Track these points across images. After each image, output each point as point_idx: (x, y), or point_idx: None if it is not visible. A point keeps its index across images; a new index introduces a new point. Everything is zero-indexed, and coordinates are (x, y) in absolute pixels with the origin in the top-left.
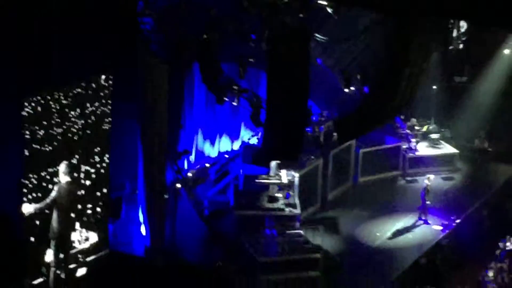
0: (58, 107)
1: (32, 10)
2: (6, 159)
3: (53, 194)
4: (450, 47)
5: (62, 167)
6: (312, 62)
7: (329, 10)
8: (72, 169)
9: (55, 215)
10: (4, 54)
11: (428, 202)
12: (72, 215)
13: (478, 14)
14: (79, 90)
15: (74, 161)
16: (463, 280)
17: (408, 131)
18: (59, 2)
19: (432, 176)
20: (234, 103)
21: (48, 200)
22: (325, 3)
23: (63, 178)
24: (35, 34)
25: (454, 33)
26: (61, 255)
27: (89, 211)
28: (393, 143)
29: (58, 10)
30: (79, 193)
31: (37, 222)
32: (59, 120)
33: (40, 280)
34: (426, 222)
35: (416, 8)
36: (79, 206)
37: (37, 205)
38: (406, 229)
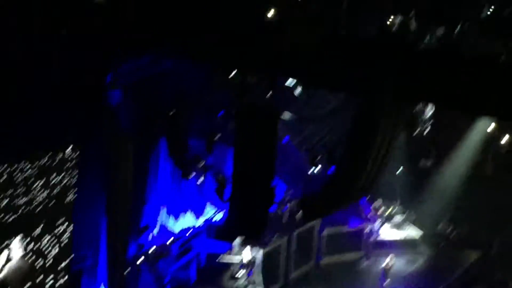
0: (22, 177)
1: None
2: None
3: (3, 272)
4: (416, 131)
5: (16, 241)
6: (279, 140)
7: (298, 90)
8: (27, 244)
9: None
10: None
11: (386, 283)
12: None
13: (443, 99)
14: (44, 160)
15: (38, 231)
16: None
17: (372, 213)
18: (26, 74)
19: (392, 256)
20: (200, 179)
21: None
22: (293, 83)
23: (16, 253)
24: (2, 103)
25: (421, 116)
26: None
27: (50, 282)
28: (357, 225)
29: (25, 80)
30: (31, 271)
31: None
32: (23, 190)
33: None
34: None
35: (382, 91)
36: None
37: None
38: None
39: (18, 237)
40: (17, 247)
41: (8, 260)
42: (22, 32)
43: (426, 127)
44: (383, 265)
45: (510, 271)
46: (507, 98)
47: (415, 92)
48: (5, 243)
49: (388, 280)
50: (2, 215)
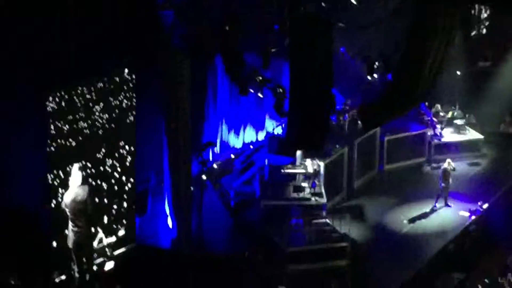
0: (82, 102)
1: (53, 6)
2: (32, 154)
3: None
4: (473, 33)
5: (75, 168)
6: (335, 51)
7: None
8: (90, 169)
9: (69, 223)
10: (27, 50)
11: (444, 185)
12: (87, 223)
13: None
14: (102, 84)
15: (100, 155)
16: (490, 265)
17: (433, 118)
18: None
19: (450, 161)
20: (258, 94)
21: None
22: None
23: (74, 181)
24: (57, 30)
25: (476, 18)
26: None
27: (115, 206)
28: (418, 130)
29: (80, 6)
30: (91, 200)
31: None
32: (83, 115)
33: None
34: (447, 205)
35: None
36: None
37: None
38: (434, 216)
39: (76, 165)
40: (76, 174)
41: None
42: None
43: (483, 29)
44: (441, 168)
45: None
46: None
47: None
48: (69, 168)
49: (448, 181)
50: (65, 140)
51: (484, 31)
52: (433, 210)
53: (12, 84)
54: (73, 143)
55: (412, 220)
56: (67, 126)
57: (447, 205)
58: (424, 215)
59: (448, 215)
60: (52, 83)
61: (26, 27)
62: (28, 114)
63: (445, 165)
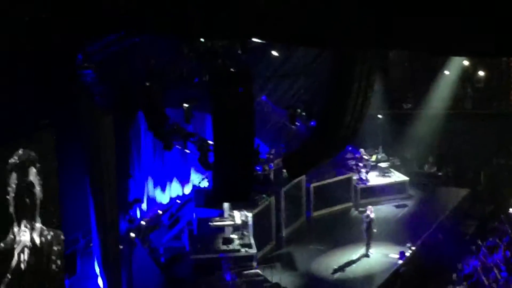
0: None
1: None
2: None
3: None
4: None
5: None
6: (256, 101)
7: (272, 51)
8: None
9: None
10: None
11: (367, 234)
12: None
13: (415, 42)
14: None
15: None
16: None
17: (358, 162)
18: None
19: (371, 208)
20: (184, 149)
21: None
22: (262, 41)
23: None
24: None
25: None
26: None
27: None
28: (343, 175)
29: None
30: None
31: None
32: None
33: None
34: (366, 255)
35: (351, 40)
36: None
37: None
38: (364, 260)
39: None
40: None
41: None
42: None
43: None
44: (364, 216)
45: (499, 204)
46: (482, 34)
47: (385, 39)
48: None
49: (371, 230)
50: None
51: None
52: (362, 255)
53: None
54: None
55: (342, 266)
56: None
57: (366, 255)
58: (354, 261)
59: (378, 259)
60: None
61: None
62: None
63: (367, 212)
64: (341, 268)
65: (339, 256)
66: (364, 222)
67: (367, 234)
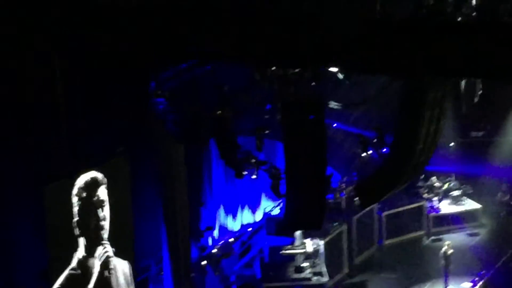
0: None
1: (47, 93)
2: (32, 247)
3: None
4: (464, 105)
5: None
6: (328, 128)
7: (340, 76)
8: None
9: None
10: (24, 140)
11: (445, 268)
12: None
13: (488, 71)
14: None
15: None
16: None
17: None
18: (72, 86)
19: (449, 242)
20: (254, 177)
21: None
22: (335, 70)
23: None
24: (51, 121)
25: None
26: None
27: None
28: (415, 203)
29: (71, 95)
30: None
31: None
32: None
33: None
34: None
35: (423, 69)
36: None
37: None
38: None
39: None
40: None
41: None
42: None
43: (476, 98)
44: (441, 252)
45: None
46: None
47: (458, 67)
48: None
49: (449, 263)
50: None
51: (476, 100)
52: (436, 285)
53: (11, 177)
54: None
55: None
56: (62, 221)
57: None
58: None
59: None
60: (48, 176)
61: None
62: (24, 210)
63: (445, 248)
64: None
65: (411, 285)
66: (441, 258)
67: (446, 270)
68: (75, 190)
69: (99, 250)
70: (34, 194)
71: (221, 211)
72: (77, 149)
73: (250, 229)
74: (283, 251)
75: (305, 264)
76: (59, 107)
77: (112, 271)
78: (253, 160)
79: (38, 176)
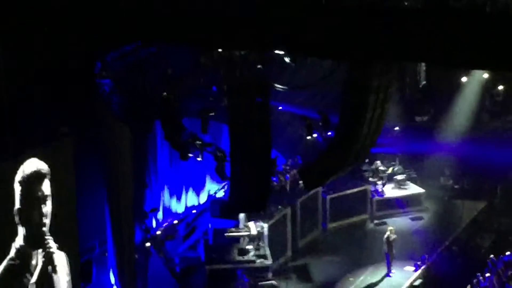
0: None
1: None
2: None
3: None
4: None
5: None
6: (273, 111)
7: (287, 59)
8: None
9: None
10: None
11: (388, 253)
12: None
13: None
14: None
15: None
16: None
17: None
18: (15, 68)
19: (392, 228)
20: (199, 159)
21: None
22: (281, 53)
23: None
24: None
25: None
26: None
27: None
28: (359, 187)
29: (14, 75)
30: None
31: None
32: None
33: None
34: (388, 275)
35: (368, 53)
36: None
37: None
38: (379, 272)
39: None
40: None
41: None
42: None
43: (421, 83)
44: (384, 237)
45: None
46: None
47: (403, 51)
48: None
49: (392, 249)
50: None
51: (421, 85)
52: (378, 267)
53: None
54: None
55: (358, 277)
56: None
57: (388, 274)
58: (369, 273)
59: (393, 271)
60: None
61: None
62: None
63: (387, 233)
64: (357, 280)
65: (354, 267)
66: (384, 243)
67: (388, 255)
68: (18, 177)
69: (42, 245)
70: None
71: (166, 193)
72: (20, 130)
73: (194, 211)
74: (227, 234)
75: (249, 247)
76: (0, 88)
77: (56, 267)
78: (198, 142)
79: None
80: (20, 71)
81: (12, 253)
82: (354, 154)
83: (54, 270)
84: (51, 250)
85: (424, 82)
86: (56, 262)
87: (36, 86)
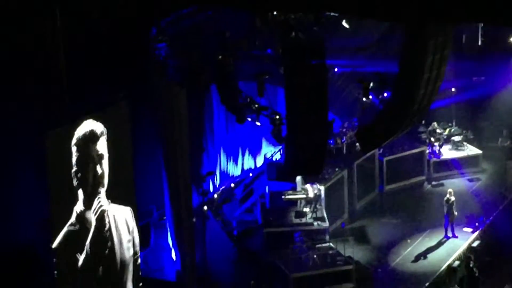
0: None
1: (47, 42)
2: (33, 195)
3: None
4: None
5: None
6: (329, 73)
7: (343, 23)
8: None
9: None
10: (25, 89)
11: (449, 217)
12: None
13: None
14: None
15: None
16: (498, 280)
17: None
18: (73, 35)
19: (451, 191)
20: (257, 123)
21: None
22: (336, 14)
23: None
24: (51, 68)
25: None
26: None
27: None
28: (416, 149)
29: (72, 41)
30: None
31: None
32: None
33: None
34: (454, 236)
35: (424, 15)
36: None
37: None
38: (437, 235)
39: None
40: None
41: None
42: None
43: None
44: (444, 199)
45: None
46: None
47: (459, 12)
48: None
49: (453, 212)
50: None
51: (479, 43)
52: (436, 230)
53: (12, 124)
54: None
55: (416, 239)
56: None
57: (454, 236)
58: (427, 235)
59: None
60: (49, 121)
61: (25, 65)
62: (26, 154)
63: (447, 195)
64: (415, 241)
65: (412, 230)
66: (444, 205)
67: (448, 217)
68: (74, 140)
69: (95, 204)
70: (35, 143)
71: (222, 157)
72: (78, 95)
73: (251, 174)
74: (284, 196)
75: (306, 209)
76: (58, 55)
77: (107, 224)
78: (255, 106)
79: (39, 124)
80: (76, 37)
81: (72, 218)
82: (411, 116)
83: (109, 229)
84: (102, 207)
85: (480, 42)
86: (108, 220)
87: (93, 51)
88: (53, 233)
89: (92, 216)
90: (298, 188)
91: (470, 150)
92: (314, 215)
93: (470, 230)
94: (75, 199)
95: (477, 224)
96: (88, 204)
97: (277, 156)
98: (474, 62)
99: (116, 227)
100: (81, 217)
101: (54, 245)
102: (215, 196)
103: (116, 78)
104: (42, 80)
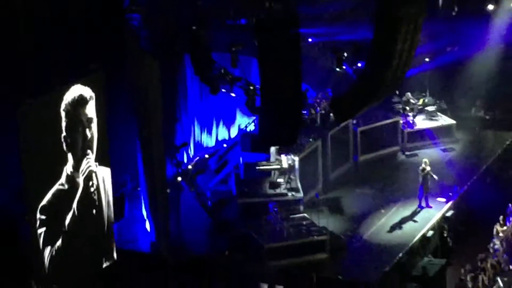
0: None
1: (19, 12)
2: (9, 164)
3: None
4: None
5: None
6: (303, 43)
7: None
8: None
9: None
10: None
11: (423, 186)
12: None
13: None
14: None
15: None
16: (471, 250)
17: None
18: (46, 5)
19: (427, 160)
20: (232, 94)
21: None
22: None
23: None
24: (23, 39)
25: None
26: None
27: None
28: (390, 119)
29: (45, 11)
30: None
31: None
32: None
33: None
34: (428, 206)
35: None
36: None
37: None
38: (411, 205)
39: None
40: None
41: None
42: None
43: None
44: (419, 169)
45: None
46: None
47: None
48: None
49: (427, 182)
50: (41, 148)
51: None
52: (410, 200)
53: None
54: (48, 152)
55: (390, 210)
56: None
57: (428, 206)
58: (401, 205)
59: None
60: (23, 92)
61: None
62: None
63: (422, 165)
64: (389, 211)
65: (386, 200)
66: (420, 175)
67: (422, 188)
68: (62, 106)
69: (83, 165)
70: (17, 111)
71: (196, 127)
72: (51, 66)
73: (225, 145)
74: (258, 167)
75: (280, 180)
76: (33, 24)
77: (95, 185)
78: (228, 76)
79: (18, 92)
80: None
81: (62, 178)
82: (385, 86)
83: (97, 189)
84: (90, 168)
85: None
86: (100, 181)
87: (68, 20)
88: (27, 204)
89: (80, 177)
90: (272, 159)
91: (444, 120)
92: (288, 186)
93: (444, 200)
94: (63, 164)
95: (451, 194)
96: (77, 166)
97: (251, 127)
98: (449, 24)
99: (105, 189)
100: (71, 177)
101: (43, 202)
102: (189, 167)
103: (89, 48)
104: (12, 49)
